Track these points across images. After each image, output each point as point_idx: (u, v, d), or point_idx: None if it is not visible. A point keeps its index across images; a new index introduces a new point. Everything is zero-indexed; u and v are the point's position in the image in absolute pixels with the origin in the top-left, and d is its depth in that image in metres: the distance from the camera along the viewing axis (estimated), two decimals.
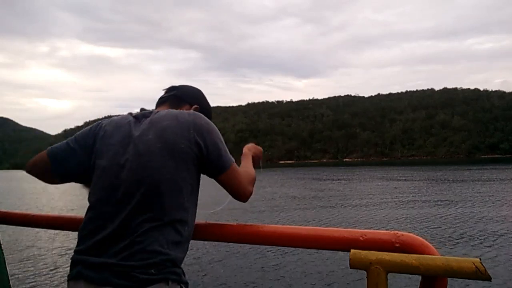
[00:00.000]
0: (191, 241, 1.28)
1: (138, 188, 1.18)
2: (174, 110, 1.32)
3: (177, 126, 1.23)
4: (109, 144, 1.27)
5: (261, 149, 1.66)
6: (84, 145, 1.33)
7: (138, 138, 1.24)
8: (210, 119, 1.50)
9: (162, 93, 1.51)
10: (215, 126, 1.30)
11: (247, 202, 1.39)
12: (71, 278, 1.18)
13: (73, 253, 1.22)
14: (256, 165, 1.55)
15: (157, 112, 1.31)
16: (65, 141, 1.40)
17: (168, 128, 1.23)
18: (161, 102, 1.46)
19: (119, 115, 1.39)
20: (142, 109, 1.39)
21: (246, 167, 1.45)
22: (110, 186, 1.21)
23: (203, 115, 1.31)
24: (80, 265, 1.16)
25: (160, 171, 1.18)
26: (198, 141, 1.22)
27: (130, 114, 1.37)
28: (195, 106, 1.45)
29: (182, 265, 1.22)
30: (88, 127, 1.40)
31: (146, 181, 1.18)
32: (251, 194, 1.38)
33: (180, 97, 1.46)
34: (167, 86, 1.53)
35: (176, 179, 1.19)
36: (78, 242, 1.23)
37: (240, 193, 1.35)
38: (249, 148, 1.59)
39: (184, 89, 1.49)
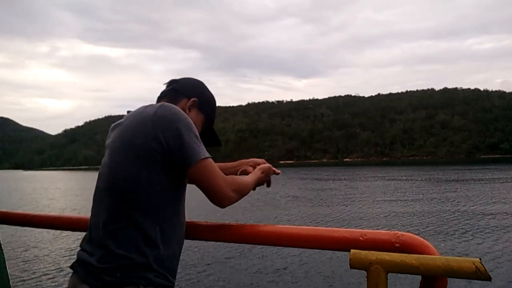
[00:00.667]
0: (191, 241, 1.28)
1: (107, 189, 1.20)
2: (147, 106, 1.24)
3: (137, 123, 1.18)
4: (107, 145, 1.30)
5: (271, 168, 1.49)
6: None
7: (112, 139, 1.26)
8: (214, 110, 1.46)
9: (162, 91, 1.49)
10: (183, 116, 1.18)
11: (226, 208, 1.25)
12: (71, 267, 1.25)
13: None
14: (261, 184, 1.46)
15: (138, 109, 1.28)
16: None
17: (128, 126, 1.20)
18: (160, 97, 1.41)
19: (123, 115, 1.37)
20: (128, 112, 1.36)
21: (240, 177, 1.34)
22: (98, 188, 1.25)
23: (173, 106, 1.20)
24: (77, 260, 1.23)
25: (120, 172, 1.17)
26: (157, 135, 1.13)
27: (128, 112, 1.35)
28: (193, 98, 1.37)
29: (181, 266, 1.21)
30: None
31: (111, 182, 1.19)
32: (231, 199, 1.23)
33: (178, 90, 1.38)
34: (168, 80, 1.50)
35: (136, 179, 1.14)
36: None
37: (213, 194, 1.20)
38: (263, 169, 1.45)
39: (183, 81, 1.42)
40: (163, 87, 1.47)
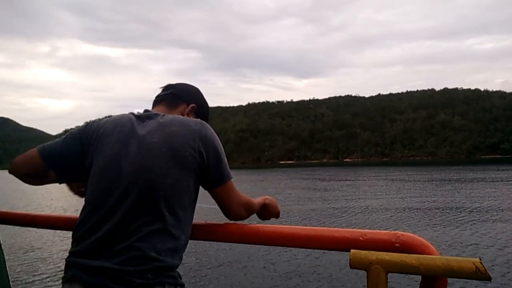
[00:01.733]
0: (191, 241, 1.28)
1: (137, 190, 1.15)
2: (181, 116, 1.31)
3: (184, 133, 1.22)
4: (109, 142, 1.24)
5: (278, 209, 1.55)
6: (82, 143, 1.29)
7: (142, 140, 1.21)
8: (208, 117, 1.50)
9: (159, 92, 1.49)
10: (218, 139, 1.30)
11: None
12: (66, 280, 1.16)
13: (68, 255, 1.20)
14: (266, 216, 1.52)
15: (164, 115, 1.29)
16: (59, 138, 1.35)
17: (175, 134, 1.21)
18: (158, 100, 1.43)
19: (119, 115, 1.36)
20: (146, 110, 1.36)
21: (250, 199, 1.41)
22: (107, 186, 1.18)
23: (209, 126, 1.30)
24: (75, 267, 1.14)
25: (162, 176, 1.16)
26: (202, 150, 1.21)
27: (132, 113, 1.34)
28: (192, 105, 1.43)
29: (181, 266, 1.22)
30: (84, 124, 1.37)
31: (146, 184, 1.15)
32: (241, 217, 1.35)
33: (177, 95, 1.42)
34: (164, 84, 1.50)
35: (177, 186, 1.18)
36: (72, 243, 1.21)
37: (230, 211, 1.32)
38: (270, 200, 1.53)
39: (181, 87, 1.46)
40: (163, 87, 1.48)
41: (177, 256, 1.19)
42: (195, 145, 1.21)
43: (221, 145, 1.29)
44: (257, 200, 1.46)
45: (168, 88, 1.45)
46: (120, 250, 1.11)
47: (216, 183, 1.27)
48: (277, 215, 1.53)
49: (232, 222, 1.33)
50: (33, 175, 1.36)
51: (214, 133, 1.29)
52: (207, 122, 1.44)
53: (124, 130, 1.25)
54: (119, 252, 1.11)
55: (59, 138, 1.35)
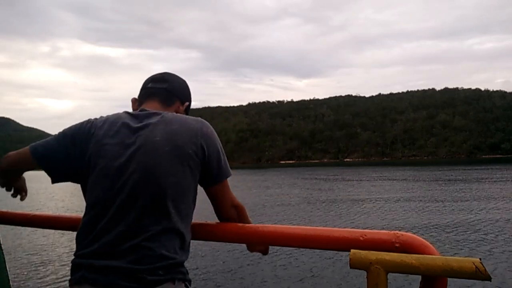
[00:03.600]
0: (191, 241, 1.28)
1: (145, 190, 1.15)
2: (180, 115, 1.31)
3: (187, 132, 1.22)
4: (108, 143, 1.21)
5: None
6: (75, 142, 1.25)
7: (145, 139, 1.19)
8: (189, 111, 1.51)
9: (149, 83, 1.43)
10: (217, 136, 1.31)
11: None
12: (75, 282, 1.14)
13: (74, 257, 1.18)
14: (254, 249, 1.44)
15: (163, 114, 1.27)
16: (51, 137, 1.30)
17: (178, 133, 1.21)
18: (150, 93, 1.38)
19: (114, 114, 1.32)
20: (142, 109, 1.32)
21: (243, 206, 1.40)
22: (112, 187, 1.16)
23: (209, 124, 1.31)
24: (83, 269, 1.13)
25: (167, 175, 1.16)
26: (204, 148, 1.23)
27: (127, 112, 1.31)
28: (186, 103, 1.44)
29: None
30: (79, 123, 1.31)
31: (153, 183, 1.15)
32: (229, 219, 1.34)
33: (172, 92, 1.39)
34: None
35: (183, 185, 1.19)
36: (79, 245, 1.19)
37: (222, 211, 1.34)
38: None
39: (173, 82, 1.41)
40: None
41: (184, 253, 1.22)
42: (198, 142, 1.22)
43: (220, 143, 1.31)
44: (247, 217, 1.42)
45: (159, 81, 1.40)
46: (129, 250, 1.11)
47: (215, 181, 1.28)
48: (265, 251, 1.45)
49: (232, 222, 1.33)
50: (20, 172, 1.41)
51: (214, 131, 1.31)
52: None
53: (123, 129, 1.23)
54: (129, 252, 1.11)
55: (51, 137, 1.30)
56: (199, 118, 1.31)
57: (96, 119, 1.32)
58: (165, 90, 1.38)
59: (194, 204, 1.27)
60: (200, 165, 1.23)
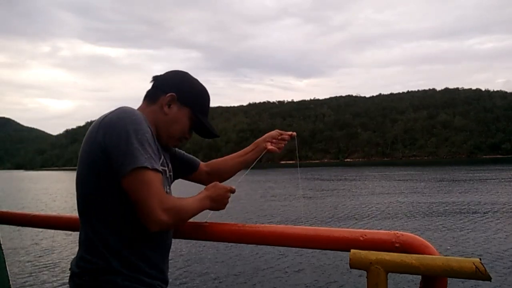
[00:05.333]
0: (191, 241, 1.29)
1: (77, 198, 1.21)
2: (105, 115, 1.16)
3: (90, 130, 1.15)
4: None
5: (225, 196, 1.31)
6: None
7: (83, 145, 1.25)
8: (200, 100, 1.34)
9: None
10: (130, 120, 1.10)
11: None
12: None
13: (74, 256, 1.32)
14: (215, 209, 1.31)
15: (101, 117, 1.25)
16: (149, 151, 1.12)
17: (87, 135, 1.17)
18: (144, 97, 1.33)
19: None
20: None
21: (182, 199, 1.17)
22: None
23: (127, 109, 1.14)
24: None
25: (82, 184, 1.18)
26: (100, 140, 1.09)
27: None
28: (170, 94, 1.26)
29: (182, 266, 1.22)
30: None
31: (78, 193, 1.20)
32: (161, 223, 1.07)
33: (158, 87, 1.29)
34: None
35: (89, 189, 1.16)
36: None
37: (142, 212, 1.07)
38: (210, 190, 1.28)
39: (162, 77, 1.32)
40: None
41: (118, 257, 1.13)
42: (97, 136, 1.10)
43: (128, 128, 1.08)
44: (195, 198, 1.24)
45: (151, 81, 1.33)
46: (78, 252, 1.22)
47: (117, 174, 1.07)
48: (223, 205, 1.31)
49: (233, 222, 1.32)
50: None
51: (127, 116, 1.11)
52: (201, 108, 1.34)
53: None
54: (78, 255, 1.23)
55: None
56: (118, 109, 1.16)
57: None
58: (152, 88, 1.32)
59: (120, 204, 1.12)
60: (102, 161, 1.09)
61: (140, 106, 1.31)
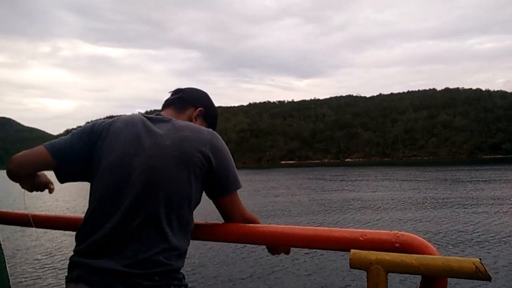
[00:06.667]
0: (191, 241, 1.28)
1: (148, 192, 1.16)
2: (193, 124, 1.33)
3: (196, 140, 1.23)
4: (119, 141, 1.24)
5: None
6: (89, 140, 1.28)
7: (155, 141, 1.21)
8: (216, 122, 1.52)
9: (165, 93, 1.49)
10: (228, 151, 1.31)
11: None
12: (71, 280, 1.17)
13: (72, 253, 1.21)
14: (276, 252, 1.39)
15: (176, 120, 1.31)
16: (67, 136, 1.32)
17: (187, 139, 1.22)
18: (166, 104, 1.44)
19: (123, 115, 1.36)
20: (158, 114, 1.37)
21: (256, 218, 1.38)
22: (116, 186, 1.18)
23: (220, 137, 1.31)
24: (80, 267, 1.16)
25: (173, 180, 1.17)
26: (211, 158, 1.22)
27: (143, 114, 1.34)
28: (199, 108, 1.43)
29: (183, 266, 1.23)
30: (91, 123, 1.35)
31: (157, 187, 1.16)
32: None
33: (185, 99, 1.43)
34: (172, 88, 1.50)
35: (186, 191, 1.19)
36: (76, 241, 1.22)
37: (229, 220, 1.33)
38: None
39: (189, 91, 1.47)
40: (165, 87, 1.52)
41: (181, 259, 1.21)
42: (205, 152, 1.22)
43: (231, 156, 1.30)
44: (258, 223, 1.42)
45: (177, 92, 1.46)
46: (127, 252, 1.13)
47: (222, 193, 1.28)
48: (287, 251, 1.40)
49: (233, 222, 1.33)
50: (32, 172, 1.31)
51: (225, 145, 1.31)
52: (215, 127, 1.48)
53: (135, 129, 1.25)
54: (126, 255, 1.12)
55: (66, 136, 1.32)
56: (211, 130, 1.32)
57: (112, 119, 1.35)
58: (178, 98, 1.43)
59: (192, 212, 1.27)
60: (206, 175, 1.23)
61: (168, 111, 1.40)
